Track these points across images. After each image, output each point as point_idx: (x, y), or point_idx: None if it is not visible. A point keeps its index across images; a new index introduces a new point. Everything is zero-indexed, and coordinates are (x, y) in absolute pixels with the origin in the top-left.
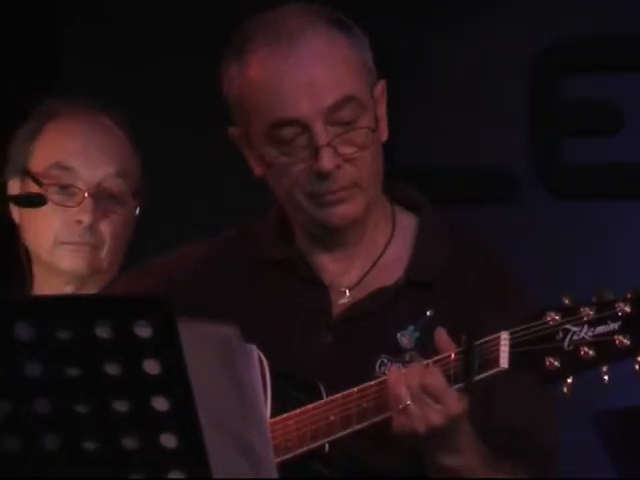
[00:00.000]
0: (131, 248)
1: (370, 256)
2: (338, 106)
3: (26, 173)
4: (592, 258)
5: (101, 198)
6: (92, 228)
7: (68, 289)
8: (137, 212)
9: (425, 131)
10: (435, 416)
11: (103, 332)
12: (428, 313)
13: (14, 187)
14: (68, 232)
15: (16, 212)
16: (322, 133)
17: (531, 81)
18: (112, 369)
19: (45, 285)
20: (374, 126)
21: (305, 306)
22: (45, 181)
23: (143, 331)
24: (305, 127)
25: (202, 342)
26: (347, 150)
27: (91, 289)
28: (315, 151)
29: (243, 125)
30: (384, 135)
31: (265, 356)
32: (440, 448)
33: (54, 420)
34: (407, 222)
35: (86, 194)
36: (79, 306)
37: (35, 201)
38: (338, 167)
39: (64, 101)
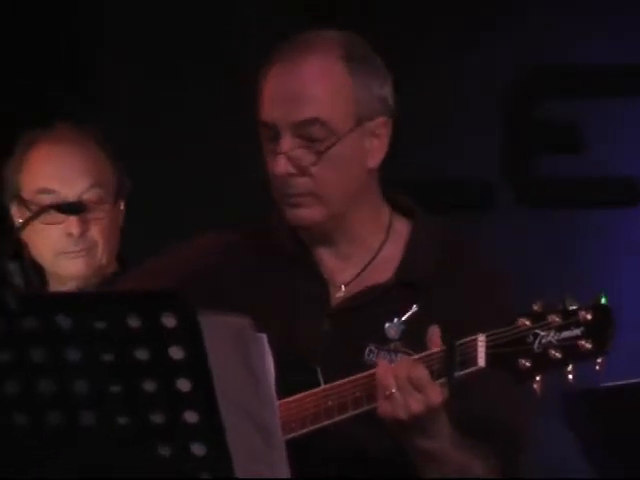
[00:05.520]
0: (134, 245)
1: (365, 257)
2: (306, 124)
3: (19, 201)
4: (558, 260)
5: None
6: (83, 236)
7: (72, 286)
8: (122, 207)
9: (413, 148)
10: (416, 405)
11: (134, 322)
12: (414, 308)
13: (14, 211)
14: (63, 244)
15: (23, 234)
16: (285, 142)
17: (506, 105)
18: (142, 354)
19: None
20: (343, 150)
21: (308, 297)
22: (34, 206)
23: (169, 321)
24: (275, 130)
25: (220, 331)
26: (304, 163)
27: (95, 284)
28: (276, 154)
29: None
30: (372, 162)
31: (271, 339)
32: (417, 433)
33: (92, 398)
34: (401, 227)
35: None
36: (113, 300)
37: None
38: (291, 175)
39: (40, 131)
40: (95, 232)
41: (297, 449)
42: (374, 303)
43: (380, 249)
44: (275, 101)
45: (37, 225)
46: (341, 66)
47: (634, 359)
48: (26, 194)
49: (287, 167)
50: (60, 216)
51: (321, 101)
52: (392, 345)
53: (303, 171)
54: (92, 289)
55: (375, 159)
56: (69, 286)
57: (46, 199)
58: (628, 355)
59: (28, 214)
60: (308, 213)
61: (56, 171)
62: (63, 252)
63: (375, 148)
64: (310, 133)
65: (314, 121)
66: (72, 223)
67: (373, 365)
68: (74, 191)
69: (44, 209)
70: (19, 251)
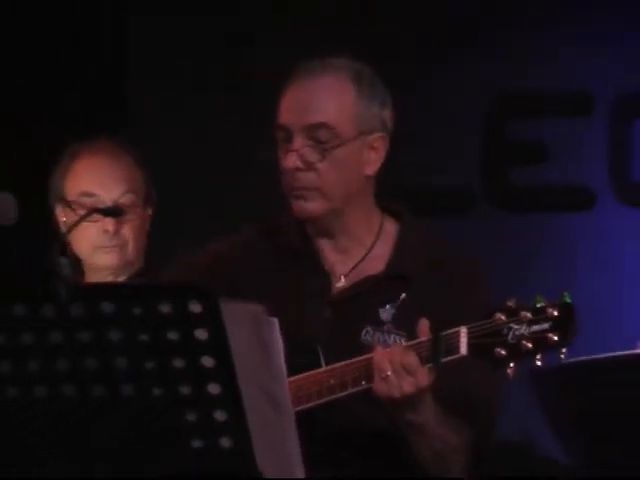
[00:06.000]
0: (154, 243)
1: (360, 251)
2: (315, 127)
3: (64, 202)
4: (528, 256)
5: None
6: (117, 233)
7: (109, 279)
8: (150, 213)
9: (405, 159)
10: (408, 386)
11: (166, 308)
12: (402, 296)
13: (59, 212)
14: (100, 239)
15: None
16: (297, 141)
17: (484, 124)
18: (172, 335)
19: (92, 280)
20: (345, 154)
21: (312, 287)
22: (77, 206)
23: (195, 308)
24: (289, 131)
25: (238, 316)
26: (311, 159)
27: (125, 276)
28: (289, 152)
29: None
30: (369, 170)
31: (281, 324)
32: (407, 409)
33: (130, 373)
34: (391, 228)
35: None
36: (149, 290)
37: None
38: (299, 169)
39: (83, 144)
40: (127, 231)
41: (305, 422)
42: (369, 292)
43: (372, 246)
44: (290, 108)
45: (81, 225)
46: (350, 86)
47: (590, 341)
48: (70, 197)
49: (296, 162)
50: (98, 216)
51: (329, 110)
52: (385, 327)
53: (310, 166)
54: (127, 281)
55: (372, 168)
56: (103, 277)
57: (87, 201)
58: (584, 337)
59: (71, 213)
60: (311, 206)
61: (96, 178)
62: (100, 246)
63: (372, 159)
64: (318, 135)
65: (322, 125)
66: (109, 222)
67: (369, 344)
68: (111, 195)
69: (91, 212)
70: (63, 246)
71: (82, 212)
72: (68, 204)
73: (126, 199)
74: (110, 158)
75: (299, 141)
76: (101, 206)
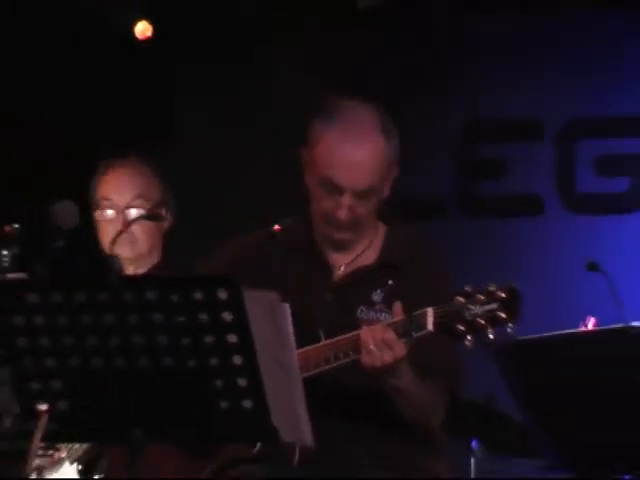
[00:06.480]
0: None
1: (358, 249)
2: (364, 190)
3: (95, 204)
4: (490, 252)
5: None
6: (128, 231)
7: (130, 269)
8: (163, 214)
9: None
10: (387, 357)
11: (198, 295)
12: (390, 282)
13: (95, 211)
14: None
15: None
16: (348, 198)
17: (456, 145)
18: (203, 317)
19: None
20: (381, 197)
21: (317, 277)
22: (99, 209)
23: (222, 294)
24: (341, 189)
25: (257, 301)
26: (359, 211)
27: (144, 267)
28: (340, 204)
29: (310, 155)
30: (387, 192)
31: (291, 308)
32: (389, 375)
33: (170, 348)
34: (381, 229)
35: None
36: (185, 280)
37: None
38: (347, 216)
39: (112, 159)
40: (135, 229)
41: (311, 387)
42: (363, 279)
43: (368, 245)
44: (340, 169)
45: (102, 223)
46: (383, 139)
47: (532, 324)
48: (98, 199)
49: (348, 214)
50: (112, 215)
51: (375, 173)
52: (377, 307)
53: (356, 214)
54: (148, 272)
55: (388, 189)
56: (125, 267)
57: (106, 204)
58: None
59: (99, 213)
60: (349, 235)
61: (114, 185)
62: (116, 240)
63: (389, 182)
64: (366, 194)
65: (370, 189)
66: (122, 221)
67: (363, 320)
68: (124, 199)
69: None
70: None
71: (102, 213)
72: (95, 206)
73: (136, 202)
74: (128, 169)
75: (350, 198)
76: (123, 208)
